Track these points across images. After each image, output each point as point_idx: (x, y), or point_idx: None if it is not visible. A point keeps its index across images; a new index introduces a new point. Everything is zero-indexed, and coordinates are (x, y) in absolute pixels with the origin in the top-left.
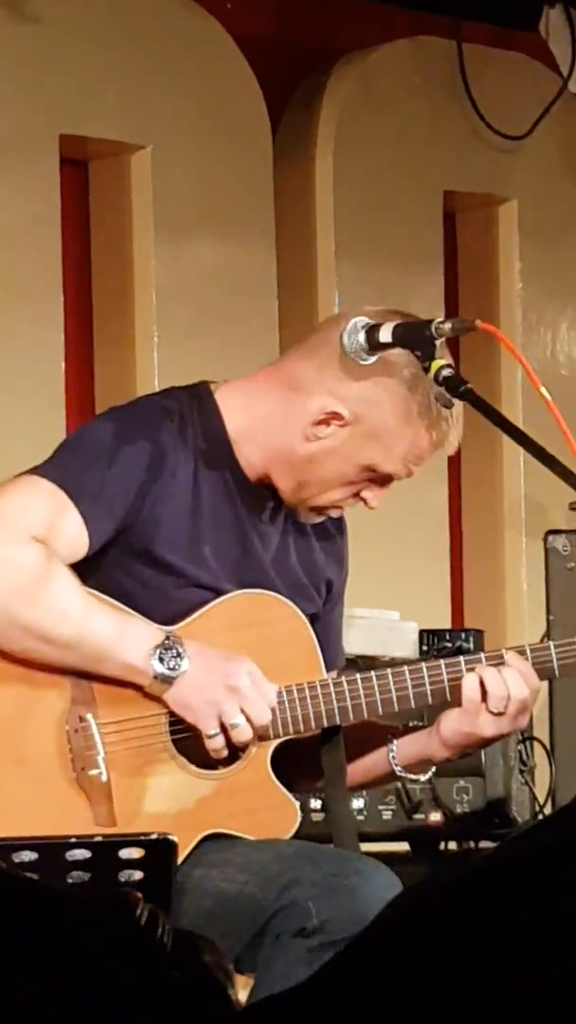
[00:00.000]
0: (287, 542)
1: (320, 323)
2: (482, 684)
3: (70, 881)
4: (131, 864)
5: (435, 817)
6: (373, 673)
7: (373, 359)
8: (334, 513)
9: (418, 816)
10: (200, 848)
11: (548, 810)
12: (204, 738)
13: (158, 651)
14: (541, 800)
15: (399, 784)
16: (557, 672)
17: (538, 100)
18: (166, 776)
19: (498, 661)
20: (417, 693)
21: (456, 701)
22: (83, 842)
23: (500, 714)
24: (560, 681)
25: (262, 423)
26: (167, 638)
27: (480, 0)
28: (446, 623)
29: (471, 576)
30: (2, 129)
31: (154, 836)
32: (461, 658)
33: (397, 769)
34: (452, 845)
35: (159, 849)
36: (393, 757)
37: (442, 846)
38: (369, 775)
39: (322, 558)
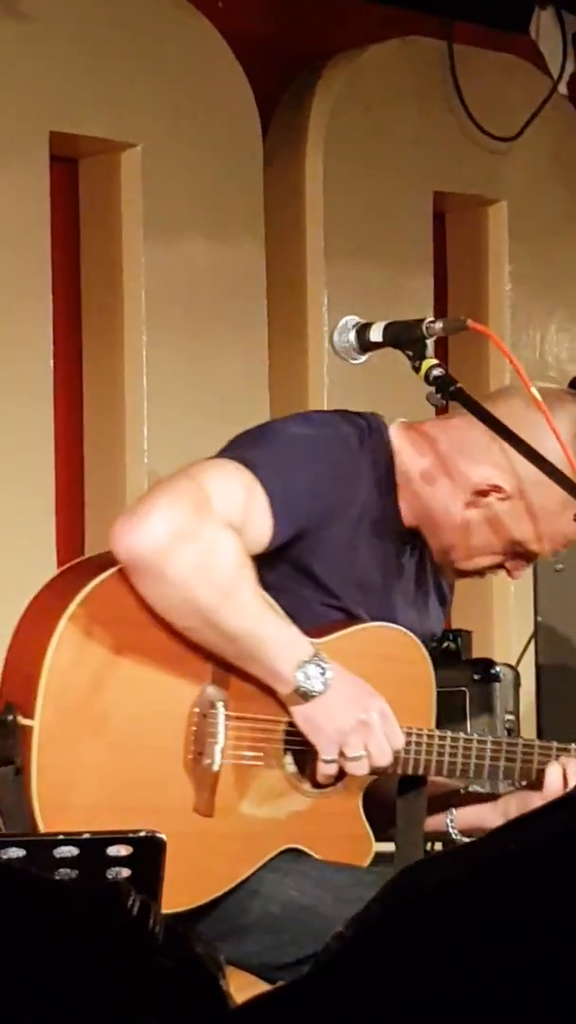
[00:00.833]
0: (420, 589)
1: (495, 391)
2: (564, 775)
3: (57, 879)
4: (119, 862)
5: None
6: (489, 737)
7: (363, 359)
8: (477, 577)
9: None
10: (278, 857)
11: None
12: (319, 760)
13: (305, 665)
14: None
15: None
16: None
17: (528, 102)
18: (269, 782)
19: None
20: (510, 767)
21: (535, 785)
22: (71, 839)
23: None
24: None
25: (425, 477)
26: (316, 654)
27: (471, 1)
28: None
29: None
30: None
31: (143, 834)
32: (554, 744)
33: (453, 833)
34: None
35: (147, 847)
36: (452, 821)
37: None
38: (424, 829)
39: (436, 613)
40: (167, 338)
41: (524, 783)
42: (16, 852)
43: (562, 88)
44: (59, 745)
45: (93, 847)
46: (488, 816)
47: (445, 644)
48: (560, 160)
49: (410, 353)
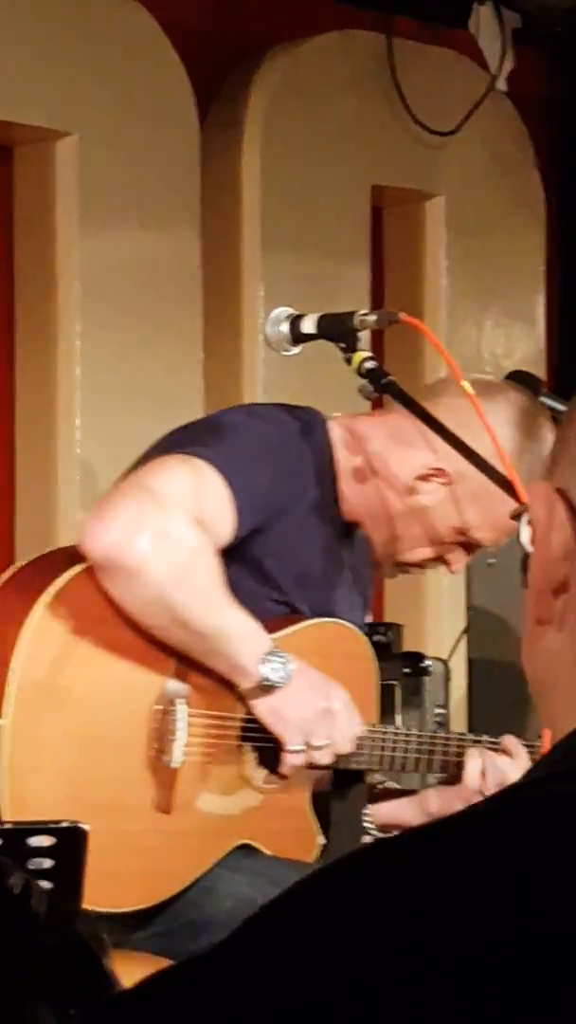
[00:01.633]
0: (354, 583)
1: (434, 382)
2: (483, 770)
3: None
4: (40, 852)
5: None
6: (429, 733)
7: (296, 350)
8: (416, 572)
9: None
10: (231, 853)
11: None
12: (284, 752)
13: (267, 658)
14: None
15: None
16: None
17: (467, 97)
18: (225, 779)
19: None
20: (445, 761)
21: (453, 779)
22: None
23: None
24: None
25: (363, 471)
26: (274, 648)
27: None
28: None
29: None
30: None
31: (64, 824)
32: (485, 738)
33: (371, 829)
34: None
35: (70, 837)
36: (366, 816)
37: None
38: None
39: (361, 605)
40: (101, 328)
41: (442, 777)
42: None
43: (500, 84)
44: (28, 743)
45: (15, 837)
46: (405, 811)
47: (376, 638)
48: (498, 155)
49: (343, 345)
